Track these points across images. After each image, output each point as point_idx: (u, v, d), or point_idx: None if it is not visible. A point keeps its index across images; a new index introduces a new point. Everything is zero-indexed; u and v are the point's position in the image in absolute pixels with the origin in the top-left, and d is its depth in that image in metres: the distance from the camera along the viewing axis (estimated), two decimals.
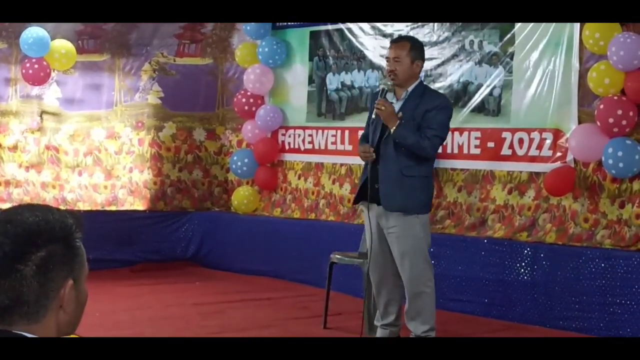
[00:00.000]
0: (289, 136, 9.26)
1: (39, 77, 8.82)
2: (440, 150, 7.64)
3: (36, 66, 8.74)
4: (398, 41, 5.98)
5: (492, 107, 7.49)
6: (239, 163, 9.38)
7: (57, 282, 1.96)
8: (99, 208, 9.38)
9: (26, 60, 8.76)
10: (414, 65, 5.76)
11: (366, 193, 5.81)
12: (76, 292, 2.01)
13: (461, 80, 7.69)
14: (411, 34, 7.86)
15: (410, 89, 5.77)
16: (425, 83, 6.49)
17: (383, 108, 5.63)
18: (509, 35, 7.37)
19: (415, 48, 5.82)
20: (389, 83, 5.79)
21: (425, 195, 5.75)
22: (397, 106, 5.77)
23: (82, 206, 9.19)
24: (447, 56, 7.77)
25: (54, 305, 1.96)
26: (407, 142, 5.60)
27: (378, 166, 5.74)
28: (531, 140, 7.21)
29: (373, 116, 5.72)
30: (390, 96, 5.82)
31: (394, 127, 5.61)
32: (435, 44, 7.82)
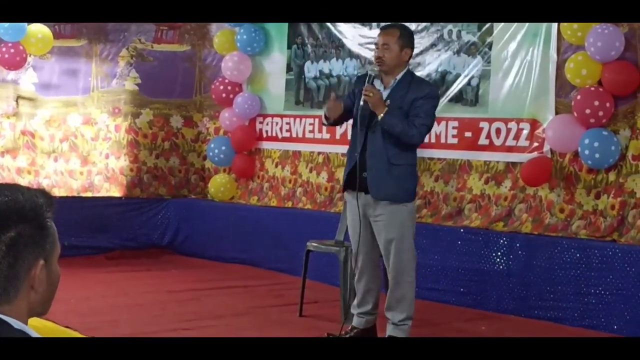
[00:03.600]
0: (267, 124, 9.24)
1: (15, 61, 8.74)
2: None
3: (12, 50, 8.67)
4: (387, 28, 5.82)
5: (469, 96, 7.50)
6: (216, 150, 9.36)
7: (28, 263, 1.94)
8: (75, 194, 9.33)
9: (2, 45, 8.68)
10: (402, 53, 5.66)
11: (353, 181, 5.73)
12: (47, 272, 1.98)
13: (439, 69, 7.69)
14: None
15: (398, 77, 5.67)
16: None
17: (371, 94, 5.51)
18: (487, 26, 7.37)
19: (405, 35, 5.72)
20: (375, 69, 5.69)
21: (412, 183, 5.72)
22: (384, 94, 5.65)
23: (58, 192, 9.12)
24: (426, 45, 7.76)
25: (25, 285, 1.94)
26: (395, 130, 5.51)
27: (366, 154, 5.66)
28: (508, 131, 7.22)
29: (362, 103, 5.61)
30: (377, 83, 5.71)
31: (382, 114, 5.53)
32: (413, 33, 7.80)
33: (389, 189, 5.61)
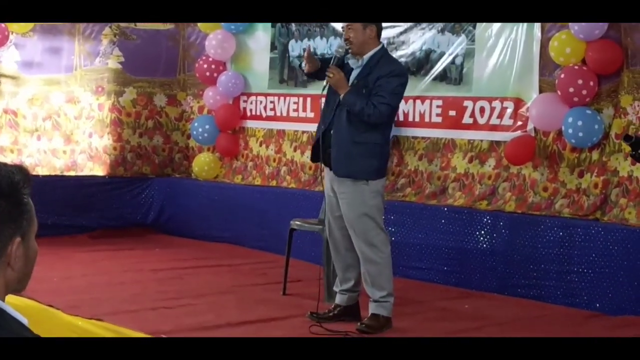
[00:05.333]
0: (251, 103, 9.21)
1: None
2: (401, 118, 7.70)
3: None
4: None
5: (454, 75, 7.49)
6: (200, 129, 9.33)
7: (4, 239, 1.92)
8: (58, 173, 9.28)
9: None
10: (366, 30, 5.72)
11: (317, 155, 5.85)
12: (24, 248, 1.97)
13: (423, 48, 7.67)
14: None
15: (367, 56, 5.75)
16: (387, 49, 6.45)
17: (331, 75, 5.66)
18: None
19: None
20: (341, 50, 5.80)
21: (376, 161, 5.72)
22: (355, 73, 5.78)
23: (41, 171, 9.10)
24: (410, 24, 7.73)
25: (2, 262, 1.93)
26: (354, 109, 5.61)
27: (332, 132, 5.77)
28: (492, 109, 7.22)
29: (324, 83, 5.74)
30: (353, 62, 5.83)
31: (344, 94, 5.64)
32: None
33: (349, 166, 5.71)
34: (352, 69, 5.81)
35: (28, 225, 1.98)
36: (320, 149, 5.80)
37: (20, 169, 1.98)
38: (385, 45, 5.99)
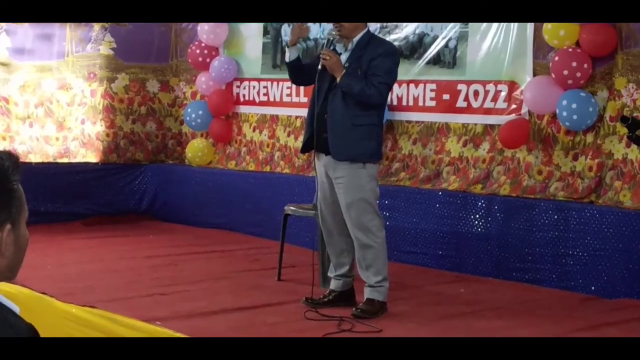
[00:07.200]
0: (244, 88, 9.18)
1: None
2: (395, 102, 7.67)
3: None
4: None
5: (447, 59, 7.46)
6: (193, 115, 9.29)
7: None
8: (51, 160, 9.25)
9: None
10: None
11: (313, 142, 5.78)
12: (15, 236, 1.94)
13: (417, 31, 7.64)
14: None
15: (356, 39, 5.74)
16: (374, 32, 6.40)
17: (328, 58, 5.61)
18: None
19: None
20: (333, 33, 5.77)
21: (373, 143, 5.71)
22: (344, 56, 5.75)
23: (34, 158, 9.07)
24: None
25: None
26: (353, 91, 5.58)
27: (326, 116, 5.72)
28: (486, 93, 7.20)
29: (319, 67, 5.68)
30: (340, 47, 5.80)
31: (340, 76, 5.60)
32: None
33: (349, 149, 5.67)
34: (340, 53, 5.78)
35: (18, 212, 1.95)
36: (315, 135, 5.75)
37: (9, 155, 1.95)
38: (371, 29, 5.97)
